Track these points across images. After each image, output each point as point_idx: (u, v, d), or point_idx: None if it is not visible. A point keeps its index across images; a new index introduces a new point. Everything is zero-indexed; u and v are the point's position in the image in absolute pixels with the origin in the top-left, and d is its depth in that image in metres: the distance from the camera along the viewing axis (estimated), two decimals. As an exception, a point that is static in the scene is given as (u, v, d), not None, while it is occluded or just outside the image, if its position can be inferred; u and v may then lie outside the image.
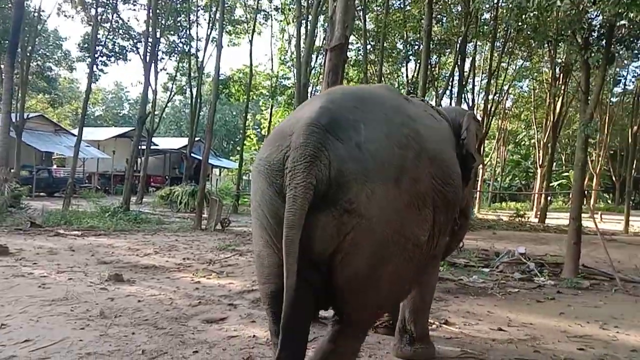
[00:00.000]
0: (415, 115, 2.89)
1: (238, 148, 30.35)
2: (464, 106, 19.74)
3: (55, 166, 28.98)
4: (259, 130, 36.52)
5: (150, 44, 19.71)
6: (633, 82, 24.80)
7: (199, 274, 6.80)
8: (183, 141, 32.47)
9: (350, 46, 21.97)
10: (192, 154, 25.59)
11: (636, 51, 9.39)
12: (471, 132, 3.71)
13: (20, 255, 7.41)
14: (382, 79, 18.31)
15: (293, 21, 20.64)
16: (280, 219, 2.32)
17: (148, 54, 19.54)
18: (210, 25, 21.28)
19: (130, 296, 5.37)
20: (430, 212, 2.66)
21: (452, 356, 4.01)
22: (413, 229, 2.58)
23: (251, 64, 21.11)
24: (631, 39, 8.17)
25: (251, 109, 30.32)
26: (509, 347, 4.31)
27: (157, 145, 30.54)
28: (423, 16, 14.33)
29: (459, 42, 16.61)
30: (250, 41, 21.25)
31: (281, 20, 23.96)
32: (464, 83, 19.06)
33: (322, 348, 2.68)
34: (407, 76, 21.42)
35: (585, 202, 11.69)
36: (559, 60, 20.48)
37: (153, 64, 20.87)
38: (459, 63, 17.01)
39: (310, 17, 13.02)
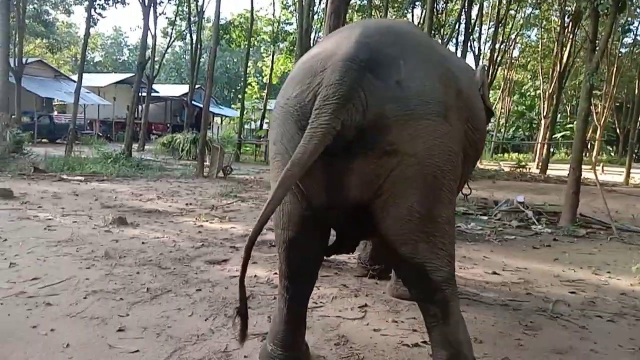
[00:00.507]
0: (446, 54, 2.73)
1: (239, 96, 30.09)
2: (470, 55, 19.41)
3: (56, 112, 28.83)
4: (260, 78, 36.05)
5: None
6: (644, 32, 24.27)
7: (201, 218, 6.92)
8: (184, 88, 32.14)
9: (354, -9, 21.41)
10: (192, 102, 25.39)
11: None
12: (486, 87, 3.63)
13: (25, 199, 7.51)
14: (387, 25, 17.87)
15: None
16: (310, 171, 2.13)
17: (147, -3, 19.07)
18: (211, -33, 20.60)
19: (134, 238, 5.49)
20: (461, 157, 2.44)
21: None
22: (458, 168, 2.39)
23: (252, 8, 20.63)
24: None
25: (252, 56, 29.82)
26: (502, 289, 4.44)
27: (157, 92, 30.26)
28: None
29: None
30: (252, -16, 20.69)
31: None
32: (470, 31, 18.66)
33: (434, 335, 2.39)
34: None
35: (587, 154, 11.69)
36: (569, 9, 19.94)
37: (152, 8, 20.39)
38: (465, 9, 16.59)
39: (313, -41, 12.68)
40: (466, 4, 17.00)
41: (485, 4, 22.03)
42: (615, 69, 25.81)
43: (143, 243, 5.30)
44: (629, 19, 22.47)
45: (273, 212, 2.16)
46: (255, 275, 4.37)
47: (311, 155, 2.06)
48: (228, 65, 52.62)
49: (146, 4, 18.81)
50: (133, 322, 3.24)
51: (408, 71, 2.21)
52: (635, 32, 25.16)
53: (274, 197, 2.09)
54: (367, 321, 3.53)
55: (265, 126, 24.84)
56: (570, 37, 20.17)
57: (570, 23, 19.91)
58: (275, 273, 4.47)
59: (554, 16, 23.85)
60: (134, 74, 23.91)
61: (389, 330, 3.38)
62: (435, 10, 16.29)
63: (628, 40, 26.81)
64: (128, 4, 35.22)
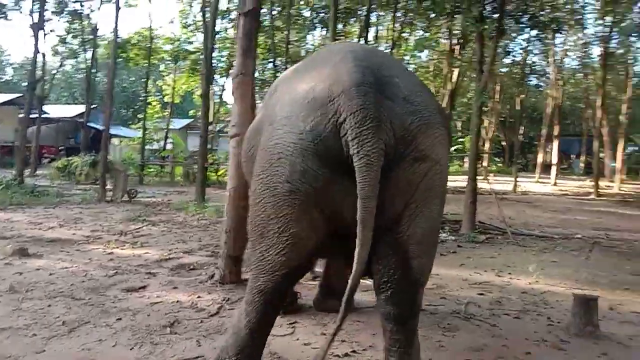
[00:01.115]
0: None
1: (139, 116, 28.99)
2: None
3: None
4: (160, 96, 34.94)
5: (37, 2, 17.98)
6: (521, 54, 26.78)
7: (111, 245, 6.58)
8: (76, 109, 30.34)
9: (256, 11, 21.53)
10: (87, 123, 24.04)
11: (522, 25, 10.13)
12: None
13: None
14: (289, 45, 18.23)
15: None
16: (336, 197, 2.20)
17: (35, 13, 17.87)
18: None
19: (40, 270, 5.10)
20: None
21: (370, 306, 4.30)
22: None
23: (151, 26, 20.10)
24: (519, 13, 8.87)
25: (151, 74, 28.93)
26: (420, 295, 4.70)
27: (47, 113, 28.26)
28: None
29: (364, 11, 16.91)
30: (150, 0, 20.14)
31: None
32: (368, 52, 19.46)
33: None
34: (313, 44, 21.48)
35: (479, 165, 12.69)
36: (456, 32, 21.54)
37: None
38: (364, 33, 17.32)
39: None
40: (363, 28, 17.76)
41: (380, 27, 23.19)
42: (499, 87, 28.22)
43: (51, 274, 4.95)
44: (507, 42, 24.76)
45: (366, 255, 2.11)
46: (177, 301, 4.26)
47: (376, 183, 2.08)
48: (125, 85, 50.46)
49: (35, 20, 17.61)
50: (51, 358, 3.05)
51: (406, 88, 2.36)
52: (512, 54, 27.64)
53: (364, 240, 2.05)
54: (297, 336, 3.59)
55: (169, 146, 24.12)
56: (459, 58, 21.78)
57: (458, 45, 21.49)
58: (199, 297, 4.41)
59: (443, 39, 25.62)
60: (20, 94, 22.22)
61: (319, 343, 3.45)
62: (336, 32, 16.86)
63: (507, 61, 29.41)
64: (11, 19, 32.85)
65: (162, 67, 29.34)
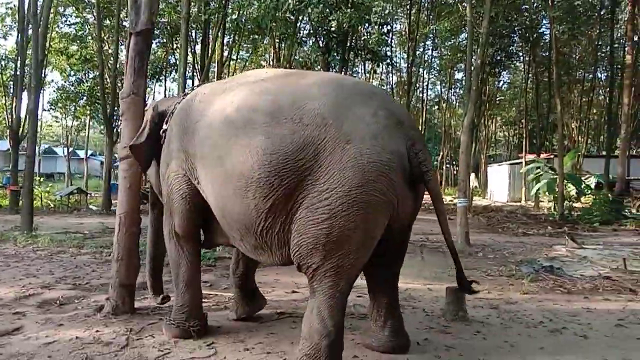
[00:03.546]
0: None
1: None
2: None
3: None
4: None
5: None
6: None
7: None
8: None
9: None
10: None
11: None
12: None
13: None
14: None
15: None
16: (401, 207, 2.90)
17: None
18: None
19: None
20: None
21: (273, 318, 4.55)
22: None
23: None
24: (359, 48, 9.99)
25: None
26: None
27: None
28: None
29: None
30: None
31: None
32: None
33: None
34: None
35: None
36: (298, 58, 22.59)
37: None
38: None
39: None
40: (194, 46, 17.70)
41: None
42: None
43: None
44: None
45: None
46: (76, 337, 3.92)
47: None
48: None
49: None
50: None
51: None
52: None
53: (446, 226, 3.19)
54: (222, 355, 3.63)
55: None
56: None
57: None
58: (98, 330, 4.12)
59: (264, 61, 26.60)
60: None
61: (246, 358, 3.57)
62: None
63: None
64: None
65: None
